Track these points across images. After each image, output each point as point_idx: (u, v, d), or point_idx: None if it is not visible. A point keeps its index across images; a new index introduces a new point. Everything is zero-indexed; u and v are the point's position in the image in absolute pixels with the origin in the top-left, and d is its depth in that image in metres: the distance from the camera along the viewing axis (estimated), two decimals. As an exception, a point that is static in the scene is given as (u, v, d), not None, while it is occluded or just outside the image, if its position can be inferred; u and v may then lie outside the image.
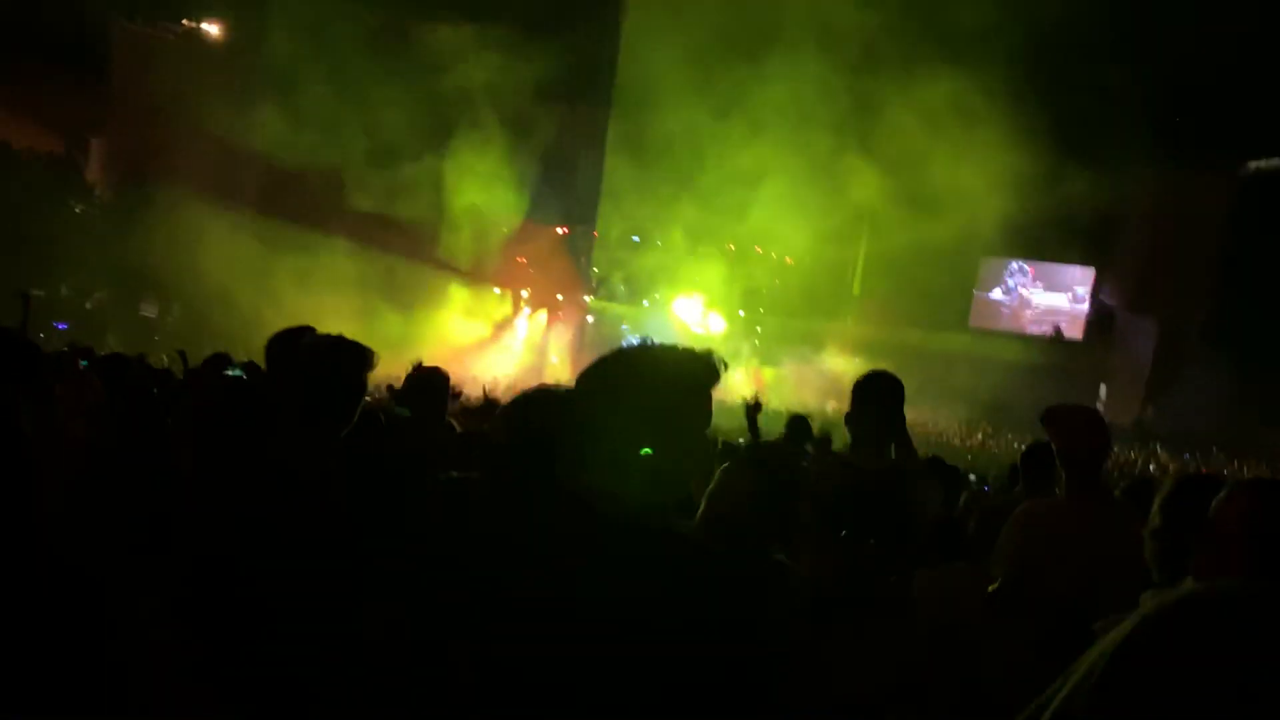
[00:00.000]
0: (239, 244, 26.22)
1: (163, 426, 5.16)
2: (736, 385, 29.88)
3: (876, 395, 4.35)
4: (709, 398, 2.38)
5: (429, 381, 5.14)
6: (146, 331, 26.48)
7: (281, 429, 3.42)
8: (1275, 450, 24.75)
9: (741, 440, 8.31)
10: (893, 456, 4.34)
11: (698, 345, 2.39)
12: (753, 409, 8.41)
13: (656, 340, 2.48)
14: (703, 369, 2.35)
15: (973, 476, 11.69)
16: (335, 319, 23.17)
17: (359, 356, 3.65)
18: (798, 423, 8.59)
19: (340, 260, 27.05)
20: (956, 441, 25.33)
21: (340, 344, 3.68)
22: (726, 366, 2.41)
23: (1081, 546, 3.87)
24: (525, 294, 32.97)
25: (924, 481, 4.36)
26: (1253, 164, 28.93)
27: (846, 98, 26.39)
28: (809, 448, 8.16)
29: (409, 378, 5.25)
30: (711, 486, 3.36)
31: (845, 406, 4.41)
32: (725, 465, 3.40)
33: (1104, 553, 3.73)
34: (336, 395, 3.54)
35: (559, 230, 33.15)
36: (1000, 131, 25.04)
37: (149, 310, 28.67)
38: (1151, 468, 21.96)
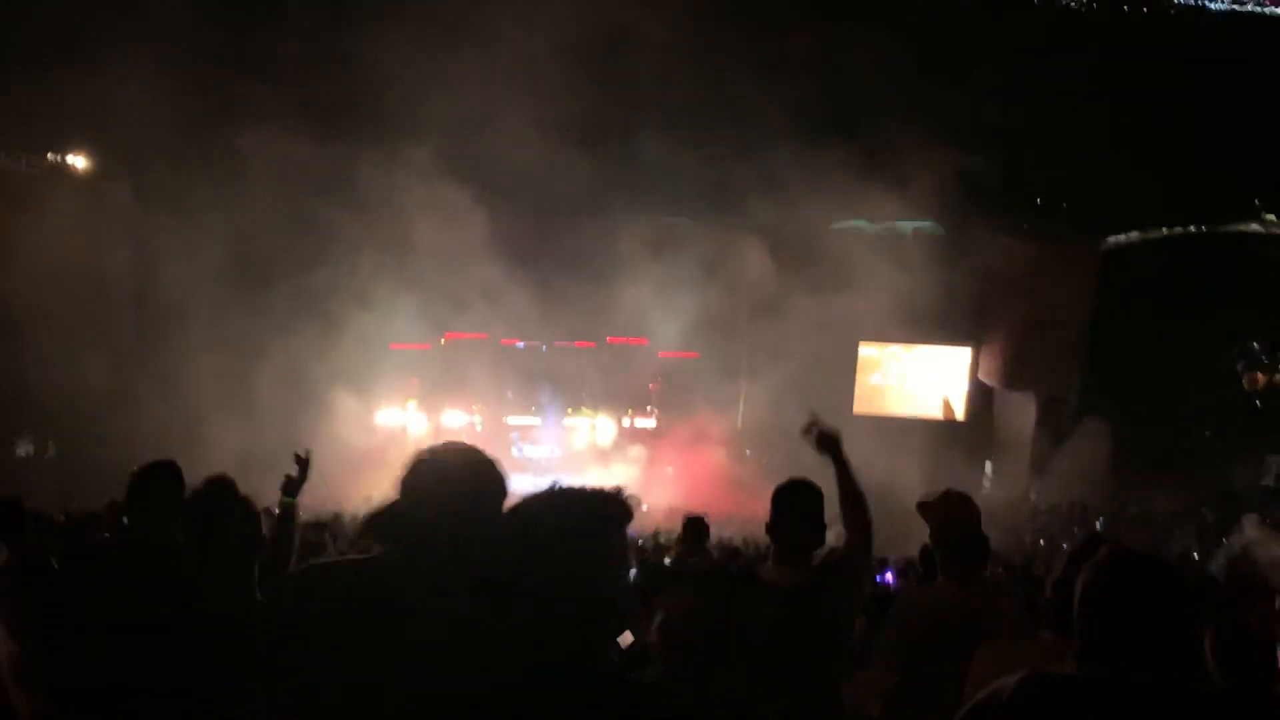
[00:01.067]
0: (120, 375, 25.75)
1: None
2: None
3: (798, 504, 4.35)
4: (624, 538, 2.39)
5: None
6: (21, 471, 25.60)
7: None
8: (1155, 515, 25.38)
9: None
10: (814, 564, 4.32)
11: (605, 483, 2.41)
12: (695, 522, 8.29)
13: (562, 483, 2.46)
14: (617, 510, 2.36)
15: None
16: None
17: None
18: (695, 524, 8.45)
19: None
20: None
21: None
22: (637, 505, 2.41)
23: (957, 630, 3.89)
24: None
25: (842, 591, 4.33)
26: (1112, 239, 30.06)
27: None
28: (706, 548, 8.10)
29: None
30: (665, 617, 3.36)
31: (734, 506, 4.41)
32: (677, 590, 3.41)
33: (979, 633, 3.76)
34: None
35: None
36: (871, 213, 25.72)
37: (24, 449, 27.81)
38: (1042, 542, 22.40)
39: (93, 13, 24.64)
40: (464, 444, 2.88)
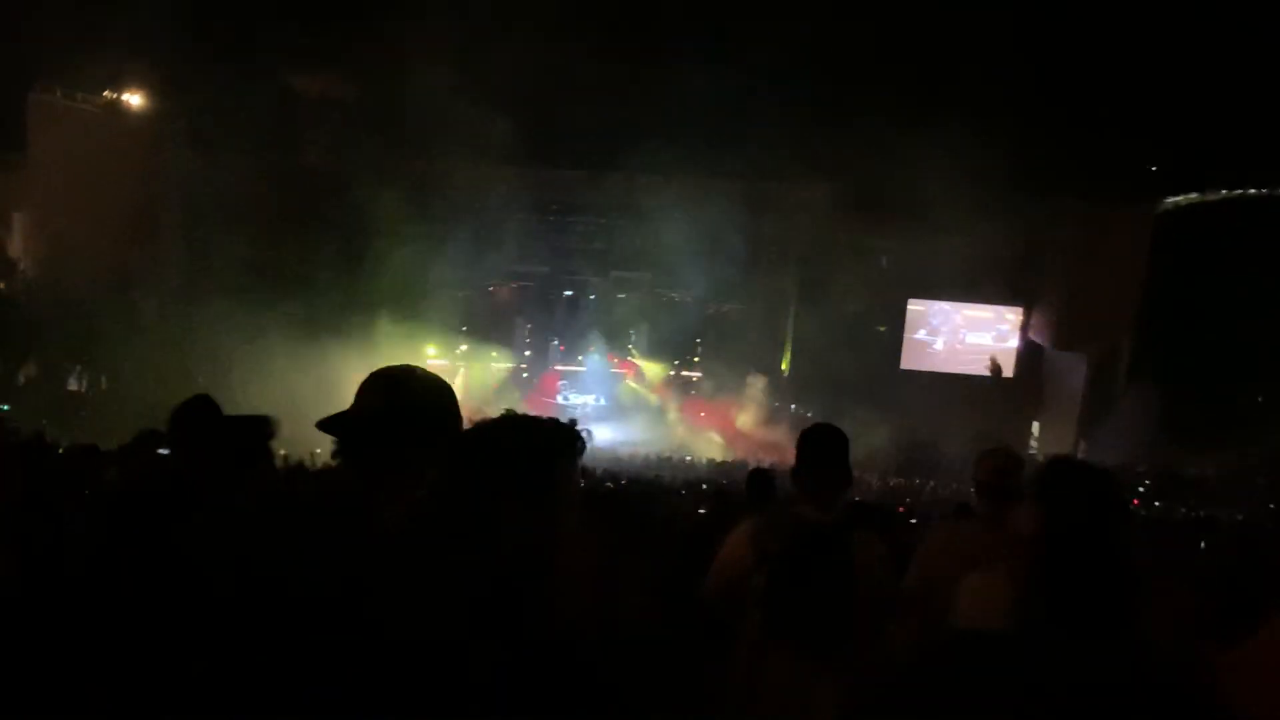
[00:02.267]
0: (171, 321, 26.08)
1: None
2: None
3: (822, 447, 4.33)
4: (574, 470, 2.40)
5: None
6: (72, 406, 26.04)
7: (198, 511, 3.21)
8: (1200, 478, 25.17)
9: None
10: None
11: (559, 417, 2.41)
12: (762, 475, 8.11)
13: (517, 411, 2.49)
14: (567, 440, 2.37)
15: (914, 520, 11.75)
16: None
17: (257, 425, 3.56)
18: (761, 478, 8.28)
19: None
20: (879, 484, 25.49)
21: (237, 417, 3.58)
22: (590, 435, 2.42)
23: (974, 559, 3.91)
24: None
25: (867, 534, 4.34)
26: (1169, 200, 29.60)
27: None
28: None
29: None
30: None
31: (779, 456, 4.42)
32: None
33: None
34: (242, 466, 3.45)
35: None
36: (927, 174, 25.44)
37: (75, 384, 28.20)
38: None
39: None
40: (421, 368, 2.85)
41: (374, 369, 2.80)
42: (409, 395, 2.76)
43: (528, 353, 32.66)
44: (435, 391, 2.80)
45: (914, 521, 10.52)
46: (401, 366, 2.83)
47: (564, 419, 2.40)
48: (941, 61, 25.36)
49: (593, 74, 24.52)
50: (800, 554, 3.86)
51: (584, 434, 2.40)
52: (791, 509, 4.28)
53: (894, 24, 24.71)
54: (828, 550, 3.93)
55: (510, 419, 2.42)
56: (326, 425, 2.71)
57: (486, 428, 2.40)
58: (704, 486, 15.21)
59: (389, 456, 2.67)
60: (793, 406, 30.32)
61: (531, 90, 25.16)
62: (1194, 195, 29.98)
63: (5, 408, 24.75)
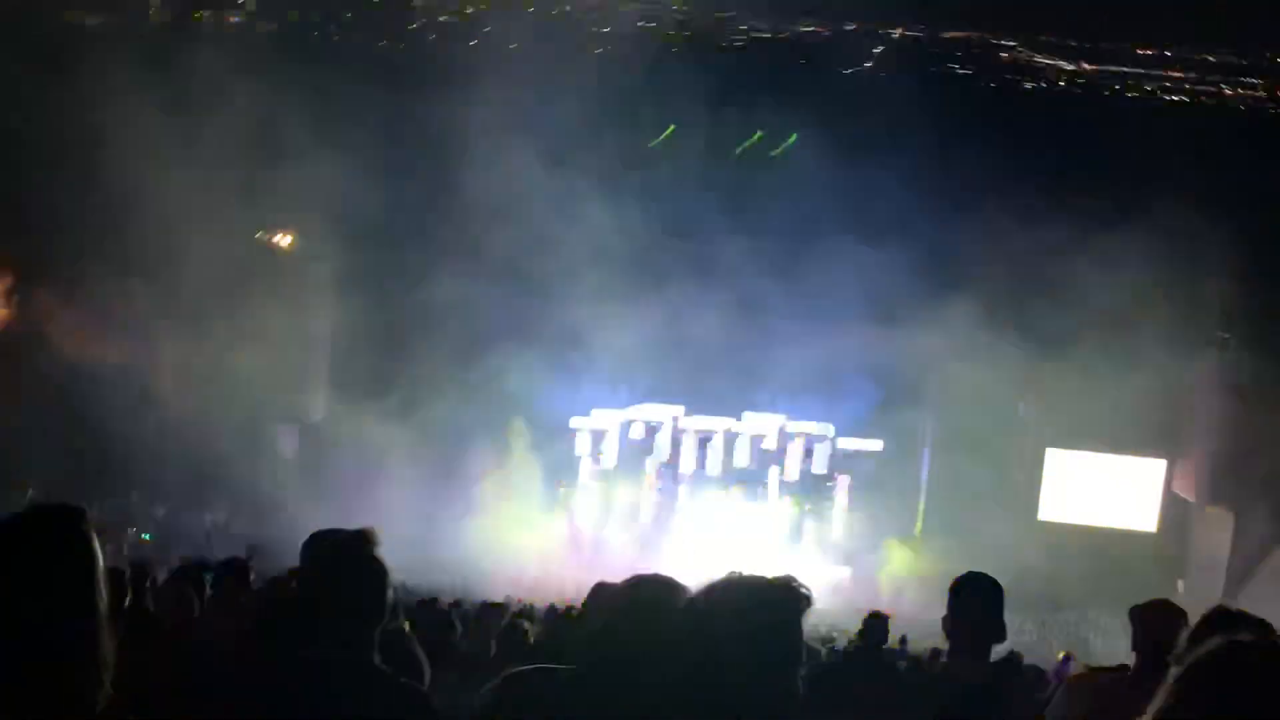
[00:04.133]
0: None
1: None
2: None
3: (978, 598, 4.31)
4: (797, 630, 2.35)
5: None
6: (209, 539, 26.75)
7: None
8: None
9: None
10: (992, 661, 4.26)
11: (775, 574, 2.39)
12: (877, 619, 7.94)
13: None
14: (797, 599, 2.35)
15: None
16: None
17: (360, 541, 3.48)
18: (876, 623, 8.08)
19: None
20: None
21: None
22: (809, 598, 2.38)
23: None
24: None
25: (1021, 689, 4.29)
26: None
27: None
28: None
29: None
30: None
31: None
32: None
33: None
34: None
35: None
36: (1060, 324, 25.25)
37: (210, 518, 28.99)
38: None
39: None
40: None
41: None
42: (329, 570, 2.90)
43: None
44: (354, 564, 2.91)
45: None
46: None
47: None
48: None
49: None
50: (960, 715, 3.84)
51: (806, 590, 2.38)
52: (946, 662, 4.24)
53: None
54: (987, 710, 3.90)
55: (740, 583, 2.41)
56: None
57: (718, 595, 2.39)
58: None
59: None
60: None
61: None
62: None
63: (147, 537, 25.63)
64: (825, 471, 32.03)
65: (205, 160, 25.55)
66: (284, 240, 30.79)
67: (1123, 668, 4.43)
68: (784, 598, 2.35)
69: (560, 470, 31.31)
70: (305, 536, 3.18)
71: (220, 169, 25.67)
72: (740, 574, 2.44)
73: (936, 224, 27.59)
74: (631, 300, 27.69)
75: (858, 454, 31.88)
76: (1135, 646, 4.37)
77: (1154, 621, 4.32)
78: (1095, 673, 4.48)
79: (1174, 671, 2.43)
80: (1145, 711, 2.80)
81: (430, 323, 27.94)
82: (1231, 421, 27.55)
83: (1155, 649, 4.25)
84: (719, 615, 2.32)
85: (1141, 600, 4.64)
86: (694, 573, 2.64)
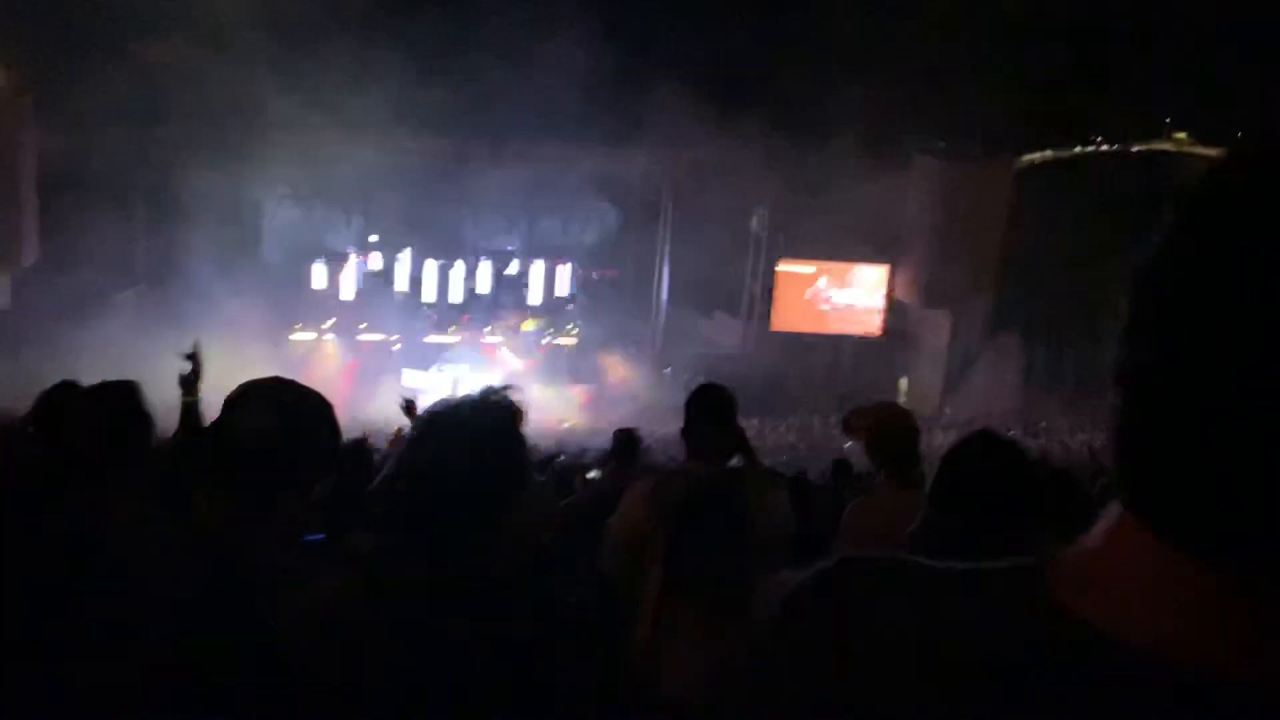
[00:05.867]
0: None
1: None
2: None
3: (710, 408, 4.39)
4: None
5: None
6: None
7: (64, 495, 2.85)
8: (1066, 429, 25.99)
9: None
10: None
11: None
12: (627, 435, 8.39)
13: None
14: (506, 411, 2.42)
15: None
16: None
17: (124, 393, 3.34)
18: (627, 437, 8.50)
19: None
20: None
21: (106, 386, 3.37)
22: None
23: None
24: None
25: (771, 488, 4.37)
26: (1025, 157, 30.35)
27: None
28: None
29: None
30: None
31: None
32: None
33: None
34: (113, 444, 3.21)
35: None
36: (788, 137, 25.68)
37: None
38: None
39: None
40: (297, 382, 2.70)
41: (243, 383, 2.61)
42: (300, 419, 2.56)
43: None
44: (322, 411, 2.62)
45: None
46: (279, 381, 2.66)
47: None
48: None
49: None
50: (697, 504, 3.90)
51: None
52: (685, 466, 4.31)
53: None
54: (725, 499, 3.97)
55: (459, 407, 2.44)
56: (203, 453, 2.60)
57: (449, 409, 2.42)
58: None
59: (277, 491, 2.51)
60: (666, 370, 30.49)
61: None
62: (1048, 153, 30.83)
63: None
64: (567, 294, 32.48)
65: None
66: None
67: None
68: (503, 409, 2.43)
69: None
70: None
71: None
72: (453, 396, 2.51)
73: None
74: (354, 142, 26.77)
75: (598, 280, 32.41)
76: (873, 451, 4.54)
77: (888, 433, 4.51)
78: (860, 502, 4.66)
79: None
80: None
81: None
82: (943, 223, 28.86)
83: (892, 460, 4.45)
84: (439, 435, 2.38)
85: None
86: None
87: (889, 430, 4.52)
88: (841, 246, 29.88)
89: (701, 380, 4.57)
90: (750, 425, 26.65)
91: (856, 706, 0.84)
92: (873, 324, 31.66)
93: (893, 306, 31.45)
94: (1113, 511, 0.81)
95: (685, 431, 4.31)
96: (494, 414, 2.40)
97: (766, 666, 0.93)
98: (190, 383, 4.58)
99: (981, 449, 2.89)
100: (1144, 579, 0.76)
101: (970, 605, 0.85)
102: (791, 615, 0.93)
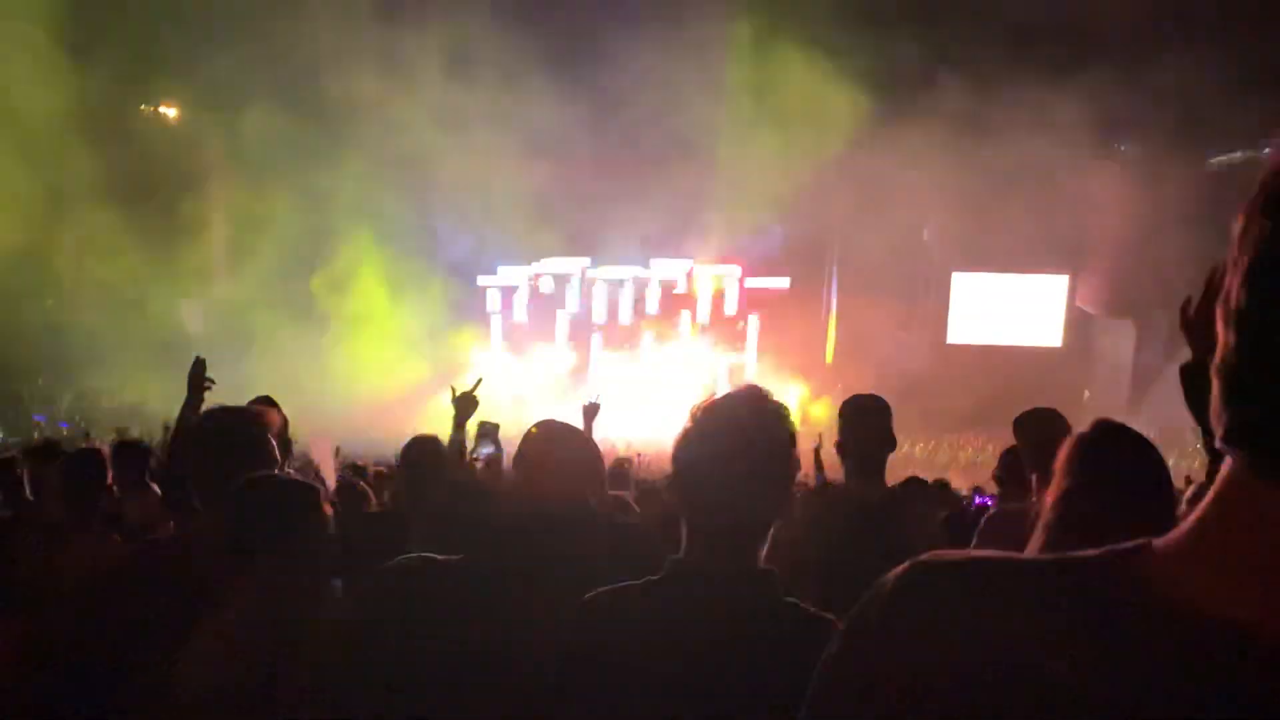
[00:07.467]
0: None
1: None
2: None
3: (864, 417, 4.24)
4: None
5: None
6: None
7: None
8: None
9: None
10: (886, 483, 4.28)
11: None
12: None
13: None
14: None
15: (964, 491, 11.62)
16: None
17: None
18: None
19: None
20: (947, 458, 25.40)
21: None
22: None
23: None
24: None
25: (922, 507, 4.29)
26: (1215, 159, 29.16)
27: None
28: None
29: None
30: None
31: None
32: None
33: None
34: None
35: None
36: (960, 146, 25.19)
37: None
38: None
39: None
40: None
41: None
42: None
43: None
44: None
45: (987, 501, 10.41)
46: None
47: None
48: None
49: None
50: (856, 530, 3.81)
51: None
52: (845, 489, 4.23)
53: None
54: (880, 525, 3.87)
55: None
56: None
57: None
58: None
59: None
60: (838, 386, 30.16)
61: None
62: (1237, 154, 29.53)
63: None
64: (735, 311, 32.29)
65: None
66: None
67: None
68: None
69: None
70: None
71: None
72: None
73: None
74: (524, 156, 27.16)
75: (766, 292, 32.16)
76: (1027, 456, 4.46)
77: (1033, 428, 4.51)
78: (1005, 509, 4.57)
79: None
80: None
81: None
82: (1128, 229, 27.97)
83: (1037, 450, 4.37)
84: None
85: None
86: (617, 422, 2.59)
87: (1045, 434, 4.37)
88: (1018, 257, 29.22)
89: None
90: (926, 441, 26.47)
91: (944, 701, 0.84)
92: (1053, 335, 30.83)
93: (1074, 318, 30.59)
94: (1222, 485, 0.80)
95: (839, 445, 4.23)
96: (774, 415, 2.34)
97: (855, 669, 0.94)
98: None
99: (1116, 437, 2.83)
100: (1267, 543, 0.74)
101: (1058, 595, 0.84)
102: (862, 620, 0.95)
